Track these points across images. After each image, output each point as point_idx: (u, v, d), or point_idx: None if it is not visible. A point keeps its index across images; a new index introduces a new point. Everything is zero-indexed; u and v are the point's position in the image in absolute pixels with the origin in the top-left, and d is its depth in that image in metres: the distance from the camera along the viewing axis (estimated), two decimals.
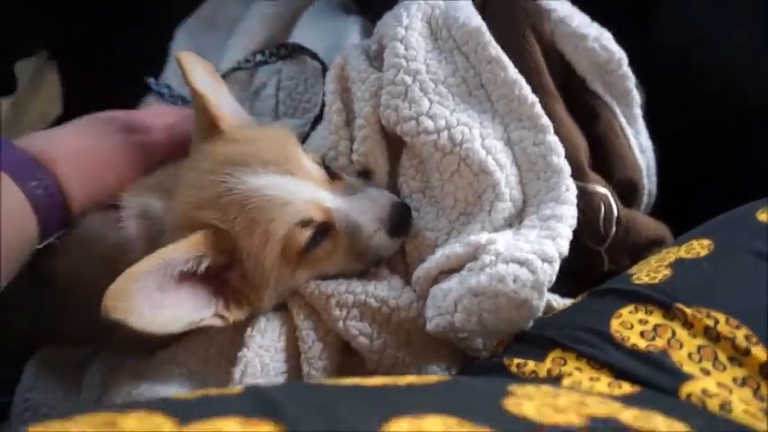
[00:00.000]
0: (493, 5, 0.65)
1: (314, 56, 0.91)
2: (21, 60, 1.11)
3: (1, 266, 0.54)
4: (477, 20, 0.62)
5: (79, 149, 0.62)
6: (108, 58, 1.11)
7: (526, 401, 0.37)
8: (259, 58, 0.97)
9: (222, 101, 0.65)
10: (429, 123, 0.60)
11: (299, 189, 0.59)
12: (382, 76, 0.66)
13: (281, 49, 0.97)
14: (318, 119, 0.85)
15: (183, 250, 0.54)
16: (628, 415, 0.37)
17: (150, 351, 0.70)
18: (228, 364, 0.66)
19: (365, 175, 0.70)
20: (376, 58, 0.71)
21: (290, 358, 0.62)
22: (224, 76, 0.97)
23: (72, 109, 1.12)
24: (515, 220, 0.58)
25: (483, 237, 0.55)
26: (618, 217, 0.61)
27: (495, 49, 0.60)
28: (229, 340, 0.67)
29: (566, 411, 0.36)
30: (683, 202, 0.71)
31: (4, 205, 0.55)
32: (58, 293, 0.68)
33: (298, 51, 0.95)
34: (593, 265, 0.64)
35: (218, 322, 0.58)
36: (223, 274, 0.59)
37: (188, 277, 0.56)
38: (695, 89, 0.74)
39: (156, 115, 0.72)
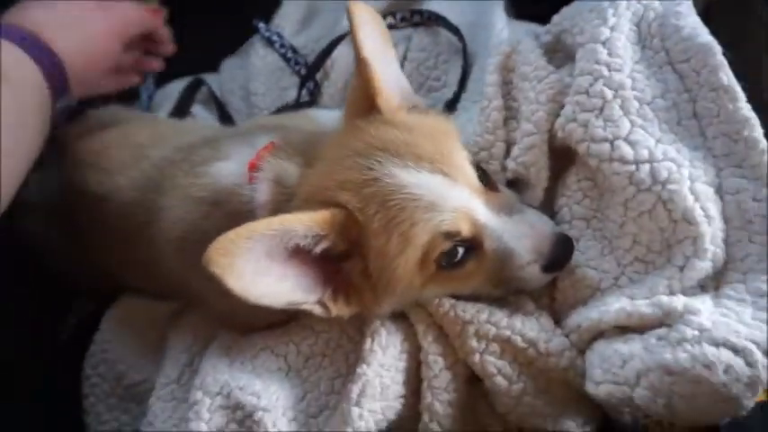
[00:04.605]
0: (721, 13, 0.54)
1: (454, 30, 0.81)
2: None
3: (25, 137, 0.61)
4: (705, 34, 0.52)
5: (68, 19, 0.71)
6: None
7: None
8: (389, 21, 0.87)
9: (388, 70, 0.56)
10: (627, 151, 0.50)
11: (452, 194, 0.51)
12: (567, 79, 0.56)
13: (415, 15, 0.87)
14: (453, 104, 0.76)
15: (306, 223, 0.48)
16: None
17: (240, 328, 0.65)
18: (331, 366, 0.60)
19: (516, 185, 0.62)
20: (554, 53, 0.61)
21: (409, 381, 0.55)
22: (343, 38, 0.88)
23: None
24: (710, 284, 0.49)
25: (679, 301, 0.46)
26: None
27: (728, 76, 0.49)
28: (336, 341, 0.61)
29: None
30: None
31: (22, 75, 0.62)
32: (162, 243, 0.63)
33: (433, 21, 0.85)
34: None
35: (318, 311, 0.52)
36: (339, 263, 0.52)
37: (301, 253, 0.49)
38: None
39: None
